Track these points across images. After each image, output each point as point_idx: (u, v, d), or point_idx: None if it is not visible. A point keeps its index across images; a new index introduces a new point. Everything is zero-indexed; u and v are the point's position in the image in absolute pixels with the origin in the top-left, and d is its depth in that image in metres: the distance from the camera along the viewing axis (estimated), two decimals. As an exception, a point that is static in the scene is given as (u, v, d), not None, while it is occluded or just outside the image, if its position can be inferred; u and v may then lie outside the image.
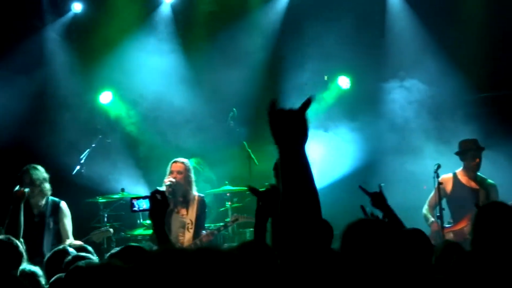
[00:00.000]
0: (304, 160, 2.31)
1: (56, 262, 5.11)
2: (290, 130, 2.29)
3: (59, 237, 8.08)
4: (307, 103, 2.35)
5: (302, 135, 2.31)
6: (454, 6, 11.45)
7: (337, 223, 4.24)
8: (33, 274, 4.87)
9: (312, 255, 2.21)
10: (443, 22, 11.36)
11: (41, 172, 8.06)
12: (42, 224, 8.02)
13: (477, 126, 10.21)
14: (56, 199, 8.23)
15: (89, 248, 5.94)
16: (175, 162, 8.84)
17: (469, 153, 9.25)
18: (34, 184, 7.92)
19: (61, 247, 5.80)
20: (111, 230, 8.80)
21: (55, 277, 4.40)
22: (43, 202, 8.10)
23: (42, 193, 8.06)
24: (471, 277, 3.49)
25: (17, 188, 7.30)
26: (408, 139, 10.71)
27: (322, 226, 2.38)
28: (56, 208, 8.16)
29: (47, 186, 8.09)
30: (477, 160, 9.23)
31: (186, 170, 8.79)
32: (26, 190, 7.33)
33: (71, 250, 5.43)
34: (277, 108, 2.36)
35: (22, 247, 5.43)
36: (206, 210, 9.04)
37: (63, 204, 8.23)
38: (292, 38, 12.14)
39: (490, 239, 4.03)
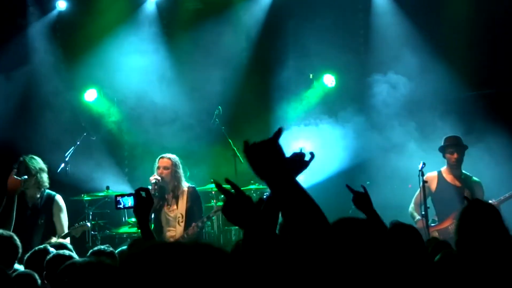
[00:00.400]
0: (294, 184, 2.31)
1: (36, 262, 5.07)
2: (268, 160, 2.31)
3: (53, 231, 7.80)
4: (278, 133, 2.38)
5: (279, 161, 2.33)
6: (440, 2, 11.48)
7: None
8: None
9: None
10: (429, 19, 11.38)
11: (37, 162, 7.87)
12: (34, 217, 7.83)
13: (465, 124, 10.24)
14: (52, 192, 8.02)
15: (69, 246, 5.89)
16: (161, 157, 8.86)
17: (448, 149, 9.28)
18: (30, 174, 7.71)
19: (42, 246, 5.75)
20: (88, 224, 8.67)
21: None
22: (38, 194, 7.91)
23: (38, 185, 7.84)
24: (455, 275, 3.49)
25: (14, 175, 7.11)
26: (394, 137, 10.71)
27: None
28: (50, 201, 7.94)
29: (44, 177, 7.88)
30: (455, 155, 9.21)
31: (173, 165, 8.78)
32: (24, 177, 7.19)
33: (51, 249, 5.38)
34: (249, 145, 2.38)
35: (19, 243, 5.36)
36: (200, 201, 8.99)
37: (58, 197, 8.02)
38: (276, 36, 12.14)
39: (473, 240, 4.04)
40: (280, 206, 2.34)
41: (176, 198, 8.76)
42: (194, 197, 8.84)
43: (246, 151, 2.36)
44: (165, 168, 8.73)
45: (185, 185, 8.87)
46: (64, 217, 8.03)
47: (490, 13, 11.08)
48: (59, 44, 11.88)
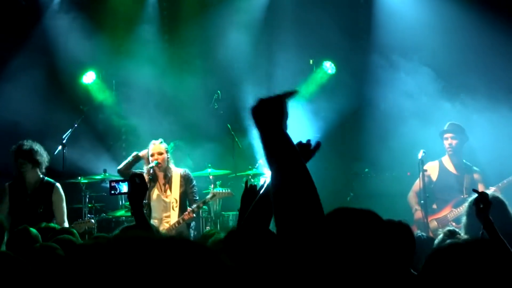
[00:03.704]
0: (286, 137, 2.34)
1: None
2: (269, 112, 2.36)
3: (51, 220, 7.73)
4: (290, 93, 2.44)
5: (280, 115, 2.38)
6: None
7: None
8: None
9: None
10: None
11: (39, 146, 7.91)
12: (33, 205, 7.81)
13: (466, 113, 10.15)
14: (51, 180, 8.01)
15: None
16: (153, 144, 8.68)
17: (444, 134, 9.26)
18: (30, 157, 7.77)
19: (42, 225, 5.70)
20: (93, 221, 8.67)
21: None
22: (38, 181, 7.90)
23: (37, 169, 7.85)
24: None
25: None
26: (394, 123, 10.64)
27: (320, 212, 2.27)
28: (50, 189, 7.92)
29: (43, 162, 7.90)
30: (449, 141, 9.19)
31: (166, 150, 8.71)
32: None
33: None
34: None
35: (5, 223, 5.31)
36: (194, 183, 8.84)
37: (58, 186, 8.00)
38: (277, 22, 12.07)
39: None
40: (269, 161, 2.33)
41: (170, 183, 8.68)
42: (187, 180, 8.74)
43: (258, 104, 2.40)
44: (160, 153, 8.62)
45: (176, 168, 8.79)
46: (64, 206, 8.00)
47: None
48: (62, 25, 11.79)
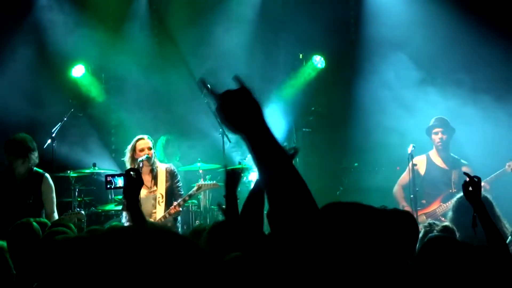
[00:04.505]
0: (271, 134, 2.11)
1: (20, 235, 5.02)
2: (245, 107, 2.10)
3: (40, 210, 7.79)
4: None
5: (256, 107, 2.12)
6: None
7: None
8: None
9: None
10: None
11: (29, 140, 7.86)
12: (23, 196, 7.77)
13: (455, 106, 10.17)
14: (40, 170, 7.96)
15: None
16: (141, 139, 8.59)
17: (433, 129, 9.26)
18: (21, 153, 7.73)
19: (24, 220, 5.68)
20: (83, 212, 8.62)
21: None
22: (27, 172, 7.85)
23: (28, 163, 7.81)
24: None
25: None
26: (383, 118, 10.66)
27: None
28: (39, 180, 7.87)
29: (33, 156, 7.85)
30: (439, 135, 9.19)
31: (153, 145, 8.70)
32: None
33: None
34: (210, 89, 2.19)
35: None
36: (179, 178, 8.79)
37: (47, 176, 7.95)
38: (267, 16, 12.06)
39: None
40: (258, 158, 2.10)
41: (155, 179, 8.65)
42: (172, 175, 8.71)
43: (222, 98, 2.13)
44: (149, 148, 8.59)
45: (160, 164, 8.78)
46: (53, 197, 7.96)
47: None
48: (51, 18, 11.73)
